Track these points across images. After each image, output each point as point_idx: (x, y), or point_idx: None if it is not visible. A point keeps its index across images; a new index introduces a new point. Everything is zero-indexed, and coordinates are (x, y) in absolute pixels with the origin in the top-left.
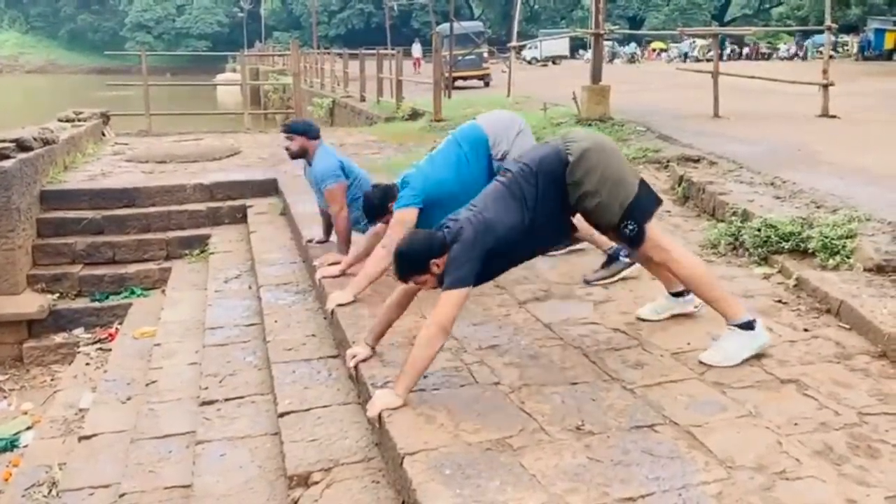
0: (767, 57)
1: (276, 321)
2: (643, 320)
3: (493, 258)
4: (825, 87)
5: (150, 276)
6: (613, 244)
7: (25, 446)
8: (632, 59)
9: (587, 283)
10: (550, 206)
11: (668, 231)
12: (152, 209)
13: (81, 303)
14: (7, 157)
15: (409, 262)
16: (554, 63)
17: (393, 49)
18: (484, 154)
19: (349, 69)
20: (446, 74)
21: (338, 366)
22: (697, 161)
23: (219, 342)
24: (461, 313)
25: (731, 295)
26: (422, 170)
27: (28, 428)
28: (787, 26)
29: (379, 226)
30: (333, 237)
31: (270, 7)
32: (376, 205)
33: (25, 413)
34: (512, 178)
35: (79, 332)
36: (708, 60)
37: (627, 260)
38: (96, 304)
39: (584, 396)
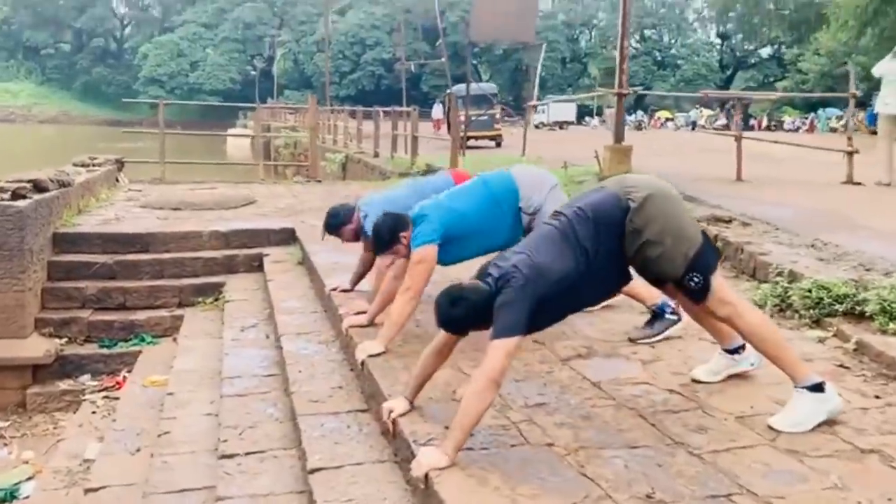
0: (773, 129)
1: (299, 371)
2: (698, 382)
3: (544, 306)
4: (850, 154)
5: (162, 323)
6: (658, 301)
7: (26, 497)
8: (639, 127)
9: (632, 341)
10: (607, 255)
11: None
12: (166, 255)
13: (89, 349)
14: (23, 196)
15: (455, 312)
16: (561, 128)
17: (409, 107)
18: (513, 204)
19: (362, 126)
20: (462, 134)
21: (368, 420)
22: (729, 221)
23: (237, 392)
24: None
25: (797, 355)
26: (441, 203)
27: (29, 478)
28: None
29: (393, 262)
30: (358, 287)
31: (283, 67)
32: (386, 236)
33: (26, 462)
34: (566, 222)
35: (85, 378)
36: (714, 129)
37: (674, 317)
38: (105, 351)
39: (649, 461)
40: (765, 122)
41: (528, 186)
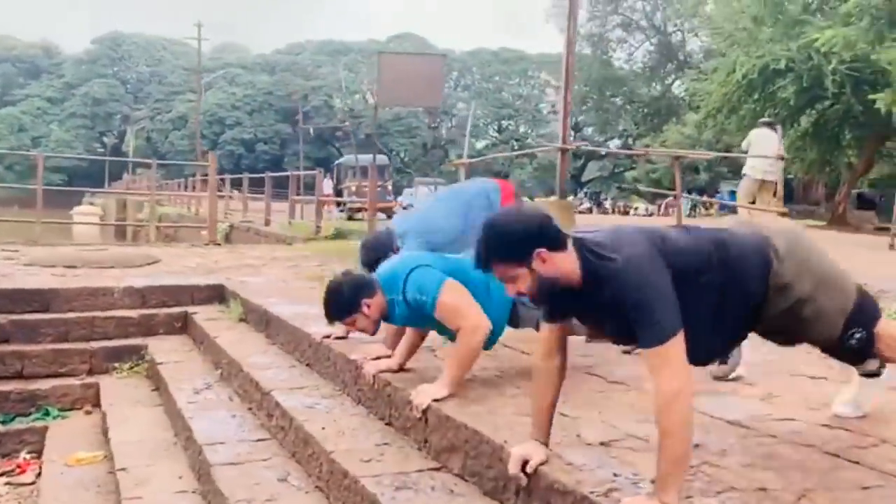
0: (627, 213)
1: (322, 428)
2: (841, 418)
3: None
4: None
5: (70, 393)
6: None
7: None
8: None
9: (717, 378)
10: (730, 304)
11: None
12: (71, 315)
13: None
14: None
15: (504, 242)
16: None
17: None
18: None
19: (244, 193)
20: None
21: (454, 481)
22: None
23: (229, 461)
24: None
25: None
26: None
27: None
28: (638, 189)
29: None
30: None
31: (135, 144)
32: (346, 299)
33: None
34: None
35: None
36: (580, 212)
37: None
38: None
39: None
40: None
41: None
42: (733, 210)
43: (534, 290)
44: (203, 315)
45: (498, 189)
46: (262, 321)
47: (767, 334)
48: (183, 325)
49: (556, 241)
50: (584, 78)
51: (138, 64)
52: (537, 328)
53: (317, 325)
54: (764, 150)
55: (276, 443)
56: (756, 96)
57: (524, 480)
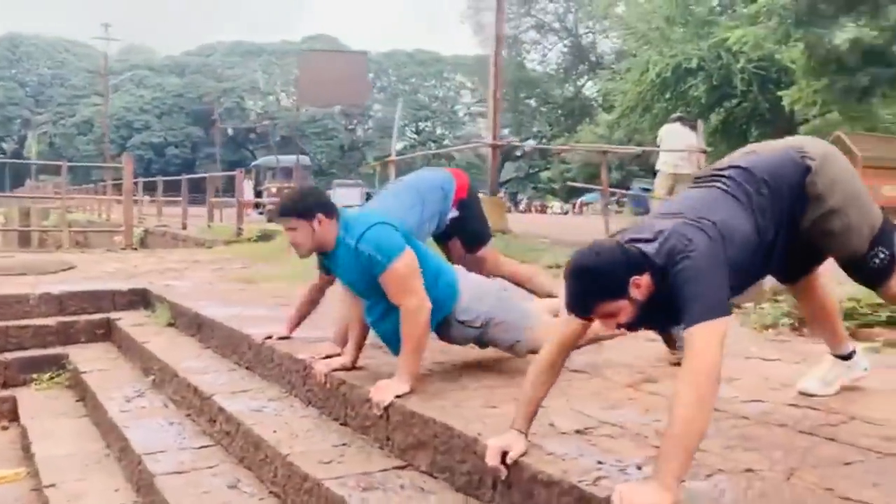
0: (544, 211)
1: (274, 432)
2: (808, 395)
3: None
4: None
5: None
6: None
7: None
8: None
9: (673, 364)
10: (783, 225)
11: None
12: None
13: None
14: None
15: (600, 283)
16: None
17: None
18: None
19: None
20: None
21: (422, 478)
22: None
23: (173, 470)
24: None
25: None
26: (388, 213)
27: None
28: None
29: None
30: (296, 334)
31: (37, 149)
32: (304, 202)
33: None
34: (734, 183)
35: None
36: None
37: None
38: None
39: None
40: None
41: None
42: (646, 210)
43: (633, 317)
44: (128, 321)
45: (452, 179)
46: (192, 325)
47: (794, 255)
48: (106, 332)
49: (640, 265)
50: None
51: (38, 66)
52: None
53: (256, 327)
54: (674, 145)
55: (221, 449)
56: (668, 95)
57: (504, 473)
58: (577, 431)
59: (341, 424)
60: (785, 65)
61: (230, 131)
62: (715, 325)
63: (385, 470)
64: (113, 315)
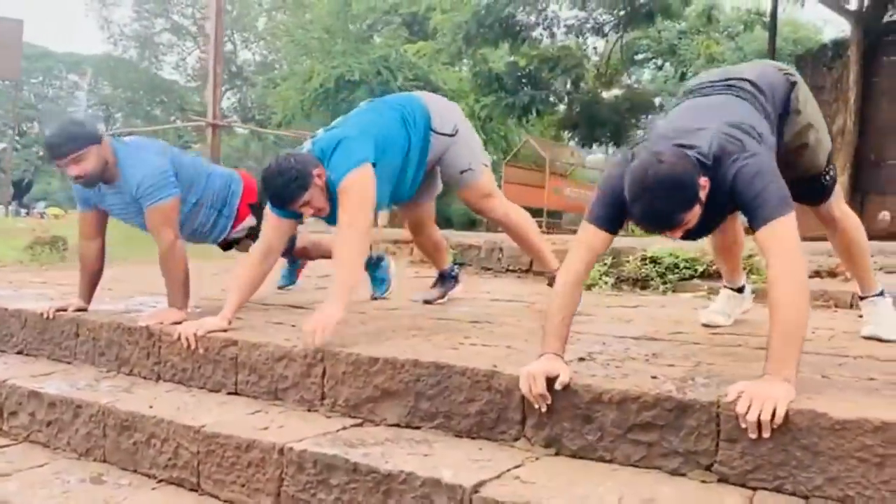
0: None
1: (150, 406)
2: (710, 326)
3: None
4: None
5: None
6: (446, 266)
7: None
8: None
9: (427, 302)
10: (779, 136)
11: None
12: None
13: None
14: None
15: (686, 192)
16: None
17: None
18: (424, 126)
19: None
20: None
21: (403, 432)
22: None
23: None
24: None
25: None
26: (361, 125)
27: None
28: None
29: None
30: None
31: None
32: (296, 178)
33: None
34: (745, 93)
35: None
36: None
37: (454, 281)
38: None
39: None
40: None
41: (438, 111)
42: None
43: (698, 219)
44: None
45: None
46: None
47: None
48: None
49: (703, 166)
50: (128, 81)
51: None
52: None
53: (35, 302)
54: None
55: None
56: (329, 105)
57: (543, 404)
58: (581, 359)
59: (230, 394)
60: (438, 85)
61: None
62: (791, 217)
63: (344, 429)
64: None
